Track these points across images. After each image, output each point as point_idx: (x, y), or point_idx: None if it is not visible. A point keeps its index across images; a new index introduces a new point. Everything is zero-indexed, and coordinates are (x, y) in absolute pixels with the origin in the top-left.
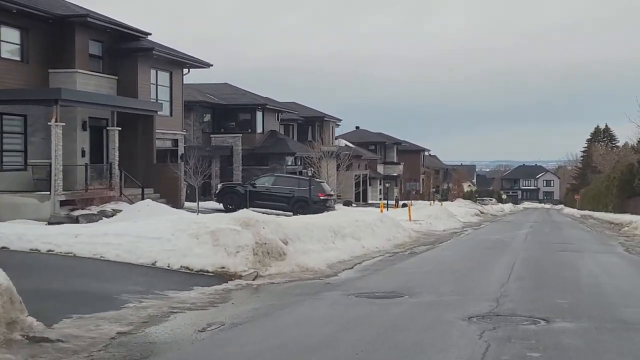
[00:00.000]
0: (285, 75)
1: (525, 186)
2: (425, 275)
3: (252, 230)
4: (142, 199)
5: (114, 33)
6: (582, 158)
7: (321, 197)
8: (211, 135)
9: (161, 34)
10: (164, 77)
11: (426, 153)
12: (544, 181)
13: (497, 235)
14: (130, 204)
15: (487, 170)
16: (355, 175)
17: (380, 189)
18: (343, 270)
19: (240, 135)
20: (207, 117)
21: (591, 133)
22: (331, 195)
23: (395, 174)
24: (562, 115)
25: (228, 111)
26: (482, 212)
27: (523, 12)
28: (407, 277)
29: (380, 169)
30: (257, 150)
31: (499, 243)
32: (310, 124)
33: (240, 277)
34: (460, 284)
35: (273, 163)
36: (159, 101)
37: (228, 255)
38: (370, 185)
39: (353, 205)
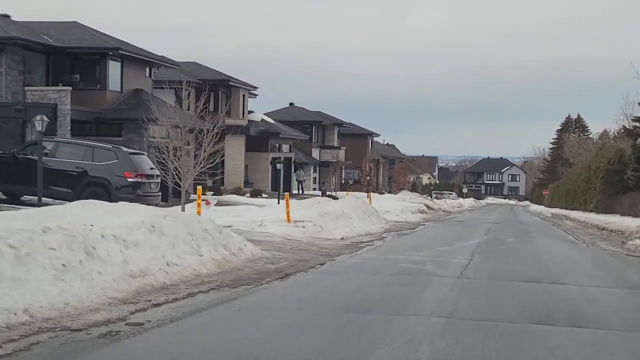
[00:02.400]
0: (253, 66)
1: (490, 180)
2: None
3: None
4: None
5: None
6: (551, 150)
7: (129, 179)
8: (26, 89)
9: (135, 24)
10: None
11: (376, 139)
12: (509, 175)
13: (424, 252)
14: None
15: (453, 164)
16: (274, 159)
17: (314, 178)
18: None
19: (70, 89)
20: (40, 67)
21: (562, 123)
22: (151, 176)
23: (333, 160)
24: (530, 111)
25: (68, 58)
26: (430, 208)
27: (498, 11)
28: None
29: (315, 153)
30: (106, 114)
31: (410, 279)
32: (213, 90)
33: None
34: None
35: (130, 133)
36: None
37: None
38: (303, 171)
39: (264, 195)
